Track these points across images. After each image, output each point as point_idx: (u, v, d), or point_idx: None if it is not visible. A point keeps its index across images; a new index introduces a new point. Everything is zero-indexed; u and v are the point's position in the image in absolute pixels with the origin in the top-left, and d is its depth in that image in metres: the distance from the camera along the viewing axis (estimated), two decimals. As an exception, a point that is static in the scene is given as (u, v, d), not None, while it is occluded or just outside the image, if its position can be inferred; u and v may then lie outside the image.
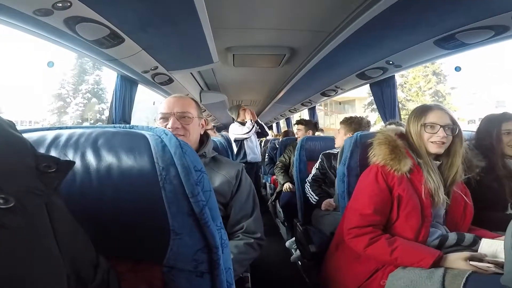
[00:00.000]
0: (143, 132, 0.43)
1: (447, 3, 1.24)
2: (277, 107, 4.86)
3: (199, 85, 3.41)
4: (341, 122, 1.89)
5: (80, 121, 20.72)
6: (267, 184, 3.64)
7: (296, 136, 2.93)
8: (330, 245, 1.26)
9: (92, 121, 20.52)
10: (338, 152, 1.86)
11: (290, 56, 2.39)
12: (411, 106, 17.14)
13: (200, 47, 1.73)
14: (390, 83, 2.53)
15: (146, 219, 0.41)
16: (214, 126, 7.65)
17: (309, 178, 1.92)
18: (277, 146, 3.51)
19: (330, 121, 20.82)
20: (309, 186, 1.88)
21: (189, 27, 1.47)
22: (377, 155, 1.06)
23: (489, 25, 1.32)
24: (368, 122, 1.89)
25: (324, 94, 3.32)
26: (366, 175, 1.10)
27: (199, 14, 1.32)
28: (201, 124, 1.06)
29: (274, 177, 3.37)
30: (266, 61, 2.50)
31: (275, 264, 2.16)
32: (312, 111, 4.68)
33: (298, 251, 2.06)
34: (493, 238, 1.00)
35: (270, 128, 7.77)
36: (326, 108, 20.97)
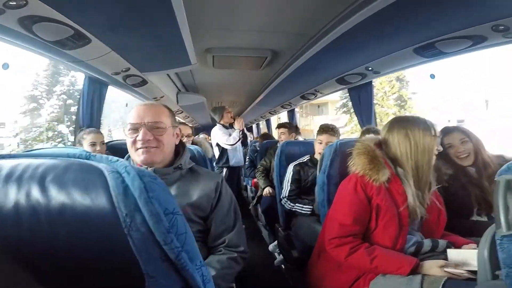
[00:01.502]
0: (100, 167, 0.36)
1: (428, 12, 1.27)
2: (257, 109, 4.84)
3: (176, 86, 3.28)
4: (328, 132, 1.85)
5: (56, 123, 19.68)
6: (248, 187, 3.61)
7: (279, 139, 2.92)
8: (312, 252, 1.26)
9: (68, 123, 19.41)
10: (308, 159, 1.91)
11: (271, 58, 2.37)
12: (377, 110, 17.88)
13: (177, 49, 1.64)
14: (367, 88, 2.61)
15: (114, 262, 0.36)
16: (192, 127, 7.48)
17: (285, 194, 1.87)
18: (258, 148, 3.49)
19: (305, 123, 21.13)
20: (290, 202, 1.83)
21: (165, 28, 1.38)
22: (356, 165, 1.07)
23: (467, 35, 1.35)
24: None
25: (303, 97, 3.35)
26: (345, 185, 1.11)
27: (177, 13, 1.24)
28: (176, 133, 0.99)
29: (255, 180, 3.35)
30: (247, 63, 2.47)
31: (259, 268, 2.13)
32: (292, 114, 4.72)
33: (281, 255, 2.06)
34: (463, 243, 1.07)
35: (250, 129, 7.74)
36: (301, 110, 21.32)
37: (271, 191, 2.42)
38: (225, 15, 1.62)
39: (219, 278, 0.86)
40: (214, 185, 0.96)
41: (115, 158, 0.38)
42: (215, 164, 2.96)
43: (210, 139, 5.08)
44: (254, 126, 8.05)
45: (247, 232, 1.03)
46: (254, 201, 2.70)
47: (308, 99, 3.43)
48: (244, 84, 3.47)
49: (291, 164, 1.94)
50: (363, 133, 1.98)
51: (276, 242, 2.12)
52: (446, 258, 0.96)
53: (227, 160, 2.92)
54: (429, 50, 1.57)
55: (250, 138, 6.08)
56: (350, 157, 1.12)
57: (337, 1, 1.43)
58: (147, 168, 0.89)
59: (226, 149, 2.93)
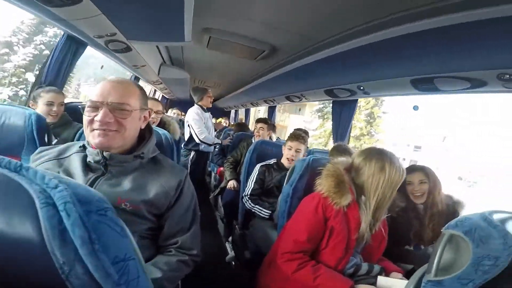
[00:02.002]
0: (31, 192, 0.27)
1: (434, 48, 1.26)
2: (240, 96, 4.76)
3: (162, 57, 3.03)
4: (299, 140, 1.91)
5: (24, 70, 18.49)
6: (213, 174, 3.56)
7: (256, 133, 2.90)
8: (265, 258, 1.29)
9: (37, 72, 17.83)
10: (274, 163, 1.95)
11: (268, 53, 2.31)
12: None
13: (174, 23, 1.49)
14: (351, 105, 2.67)
15: None
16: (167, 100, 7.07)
17: (247, 192, 1.89)
18: (231, 137, 3.45)
19: (280, 118, 21.30)
20: (251, 201, 1.85)
21: None
22: (323, 185, 1.11)
23: (468, 77, 1.34)
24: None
25: (288, 98, 3.36)
26: (308, 203, 1.14)
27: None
28: (144, 116, 0.87)
29: (222, 168, 3.31)
30: (243, 51, 2.37)
31: (209, 260, 2.06)
32: (272, 110, 4.72)
33: (233, 252, 2.08)
34: (393, 270, 1.19)
35: (228, 114, 7.62)
36: (279, 105, 21.33)
37: (235, 185, 2.40)
38: (234, 0, 1.52)
39: (165, 280, 0.80)
40: (176, 182, 0.88)
41: (55, 181, 0.28)
42: (184, 145, 2.85)
43: (183, 115, 4.90)
44: (232, 111, 7.93)
45: (203, 221, 0.98)
46: (216, 191, 2.67)
47: (293, 100, 3.44)
48: (233, 70, 3.35)
49: (258, 164, 1.97)
50: (334, 149, 2.03)
51: (231, 238, 2.15)
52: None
53: (197, 144, 2.82)
54: (426, 84, 1.56)
55: (225, 124, 5.99)
56: (319, 176, 1.16)
57: (348, 17, 1.42)
58: (102, 152, 0.80)
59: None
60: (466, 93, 1.51)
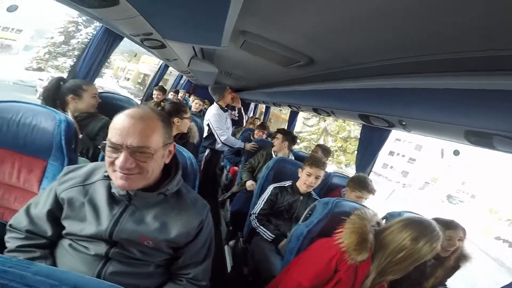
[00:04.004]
0: None
1: (491, 105, 1.10)
2: (263, 95, 4.64)
3: (194, 51, 3.00)
4: (320, 167, 1.80)
5: (84, 46, 22.04)
6: (225, 171, 3.53)
7: (273, 141, 2.83)
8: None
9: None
10: (289, 185, 1.86)
11: (303, 64, 2.18)
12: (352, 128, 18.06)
13: (214, 28, 1.42)
14: (383, 135, 2.37)
15: None
16: (192, 83, 7.18)
17: (256, 211, 1.84)
18: (252, 139, 3.38)
19: (283, 111, 21.05)
20: (257, 221, 1.81)
21: (214, 4, 1.16)
22: (345, 240, 1.06)
23: None
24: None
25: (315, 111, 3.19)
26: (323, 251, 1.10)
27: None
28: (168, 151, 0.85)
29: (235, 168, 3.28)
30: (277, 58, 2.25)
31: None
32: (294, 116, 4.56)
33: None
34: None
35: (248, 107, 7.54)
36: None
37: (254, 184, 2.35)
38: (277, 8, 1.42)
39: None
40: (198, 222, 0.88)
41: None
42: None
43: (205, 106, 4.87)
44: (252, 104, 7.83)
45: None
46: (227, 195, 2.63)
47: (320, 114, 3.26)
48: (262, 71, 3.24)
49: (272, 185, 1.90)
50: (352, 181, 1.91)
51: (233, 246, 2.14)
52: None
53: (213, 143, 2.80)
54: (482, 139, 1.34)
55: (245, 118, 5.91)
56: (339, 222, 1.13)
57: (393, 51, 1.30)
58: (127, 191, 0.81)
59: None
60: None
